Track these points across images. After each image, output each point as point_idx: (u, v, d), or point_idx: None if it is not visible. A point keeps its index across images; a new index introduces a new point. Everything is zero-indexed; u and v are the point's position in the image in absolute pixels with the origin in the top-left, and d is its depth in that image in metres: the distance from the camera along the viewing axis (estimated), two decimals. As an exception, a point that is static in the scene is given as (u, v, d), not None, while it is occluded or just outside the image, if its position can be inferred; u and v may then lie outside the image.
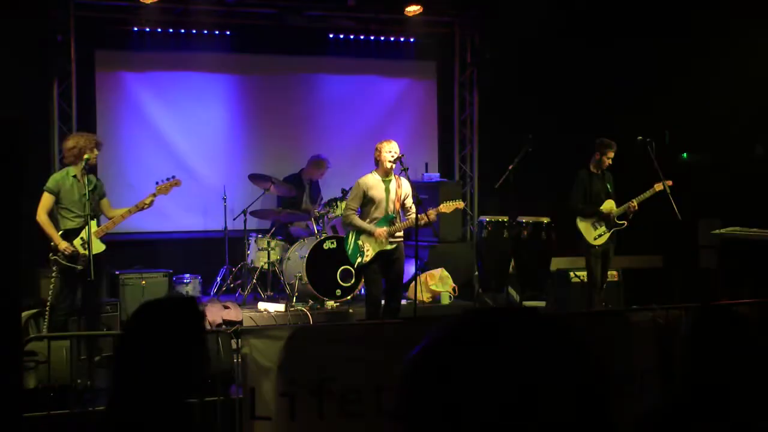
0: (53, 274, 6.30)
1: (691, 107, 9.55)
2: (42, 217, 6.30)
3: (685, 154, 10.17)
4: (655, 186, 7.66)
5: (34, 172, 6.42)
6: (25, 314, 6.27)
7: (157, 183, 6.69)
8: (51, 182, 6.42)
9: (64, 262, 6.30)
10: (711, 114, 9.45)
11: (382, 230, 6.68)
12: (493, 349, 1.03)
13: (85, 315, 6.50)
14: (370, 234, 6.71)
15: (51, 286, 6.28)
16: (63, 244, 6.29)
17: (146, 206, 6.58)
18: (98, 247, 6.42)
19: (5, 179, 3.34)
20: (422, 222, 6.65)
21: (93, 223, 6.42)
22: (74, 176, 6.42)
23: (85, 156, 6.37)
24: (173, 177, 6.75)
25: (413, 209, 6.76)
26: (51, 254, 6.31)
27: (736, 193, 9.10)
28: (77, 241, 6.35)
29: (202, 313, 2.28)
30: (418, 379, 1.05)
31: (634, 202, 7.69)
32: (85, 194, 6.34)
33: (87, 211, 6.34)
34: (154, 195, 6.62)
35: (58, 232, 6.35)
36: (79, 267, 6.31)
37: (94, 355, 6.16)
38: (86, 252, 6.28)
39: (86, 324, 6.44)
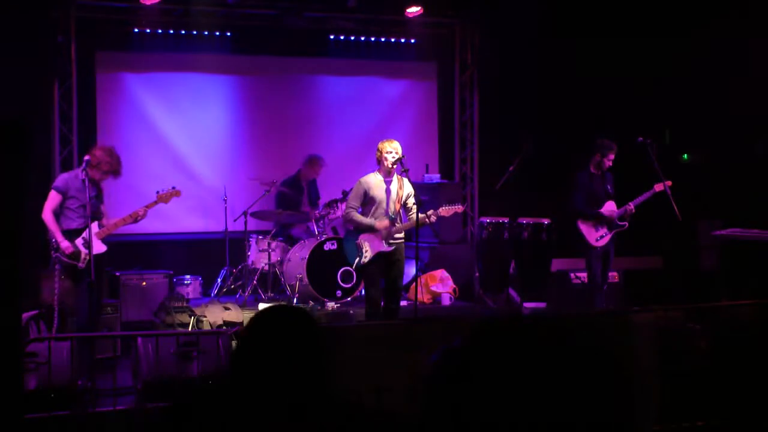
0: (56, 273, 6.30)
1: (690, 107, 9.54)
2: (48, 215, 6.33)
3: (685, 155, 10.17)
4: (655, 187, 7.66)
5: (34, 174, 6.45)
6: (25, 315, 6.28)
7: (157, 192, 6.72)
8: (60, 181, 6.44)
9: (65, 260, 6.32)
10: (711, 114, 9.44)
11: (383, 223, 6.65)
12: (512, 357, 1.04)
13: (76, 315, 6.50)
14: (370, 230, 6.68)
15: (55, 286, 6.27)
16: (64, 244, 6.32)
17: (142, 217, 6.60)
18: (100, 247, 6.45)
19: (6, 180, 3.34)
20: (422, 222, 6.64)
21: (95, 224, 6.46)
22: (83, 180, 6.44)
23: (106, 171, 6.43)
24: (173, 187, 6.77)
25: (415, 209, 6.72)
26: (52, 252, 6.34)
27: (736, 193, 9.09)
28: (78, 241, 6.38)
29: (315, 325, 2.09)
30: (438, 383, 1.07)
31: (631, 205, 7.68)
32: (90, 198, 6.39)
33: (89, 213, 6.37)
34: (155, 203, 6.64)
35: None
36: (81, 264, 6.33)
37: (95, 356, 6.16)
38: (87, 251, 6.29)
39: (77, 324, 6.44)
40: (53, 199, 6.37)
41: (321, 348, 2.02)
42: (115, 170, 6.55)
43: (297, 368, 1.94)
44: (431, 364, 1.10)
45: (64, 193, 6.39)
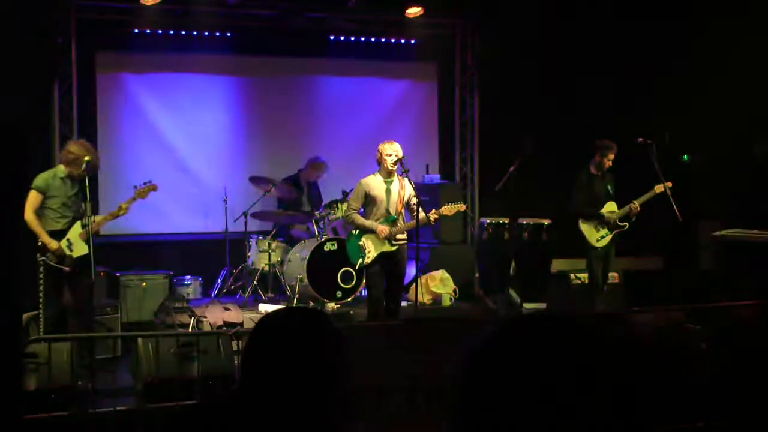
0: (40, 276, 6.22)
1: (690, 107, 9.54)
2: (30, 215, 6.22)
3: (685, 156, 10.16)
4: (656, 188, 7.65)
5: (35, 174, 6.43)
6: (25, 316, 6.27)
7: (135, 187, 6.69)
8: (39, 181, 6.34)
9: (52, 263, 6.27)
10: (711, 114, 9.44)
11: (384, 228, 6.65)
12: (540, 354, 1.06)
13: (76, 317, 6.46)
14: (372, 232, 6.68)
15: (40, 288, 6.20)
16: (54, 245, 6.26)
17: (123, 212, 6.56)
18: (83, 249, 6.40)
19: (6, 181, 3.34)
20: (423, 222, 6.63)
21: (78, 224, 6.42)
22: (61, 177, 6.41)
23: (86, 159, 6.35)
24: (150, 181, 6.73)
25: (416, 209, 6.70)
26: (38, 255, 6.24)
27: (737, 193, 9.09)
28: (63, 243, 6.33)
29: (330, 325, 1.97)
30: (470, 379, 1.08)
31: (636, 204, 7.67)
32: (71, 196, 6.36)
33: (72, 212, 6.34)
34: (133, 199, 6.60)
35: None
36: (66, 268, 6.29)
37: (94, 357, 6.15)
38: (72, 253, 6.27)
39: (78, 325, 6.41)
40: (34, 199, 6.26)
41: (336, 351, 1.90)
42: (93, 165, 6.46)
43: (311, 372, 1.84)
44: (461, 366, 1.11)
45: (44, 192, 6.31)
